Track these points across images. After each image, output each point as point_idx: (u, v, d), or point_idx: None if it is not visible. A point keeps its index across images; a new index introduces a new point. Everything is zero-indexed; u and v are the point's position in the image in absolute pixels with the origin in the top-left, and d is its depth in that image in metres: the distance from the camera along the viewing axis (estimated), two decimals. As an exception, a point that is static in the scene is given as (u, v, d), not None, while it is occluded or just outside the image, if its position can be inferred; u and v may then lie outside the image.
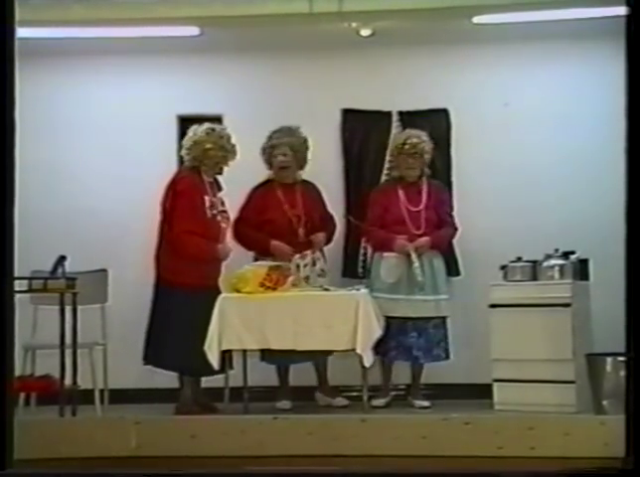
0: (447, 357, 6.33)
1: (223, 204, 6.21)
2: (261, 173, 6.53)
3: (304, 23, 6.33)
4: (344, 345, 5.71)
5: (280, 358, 6.08)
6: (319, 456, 4.49)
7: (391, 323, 6.15)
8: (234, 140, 6.18)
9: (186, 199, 6.03)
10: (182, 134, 6.54)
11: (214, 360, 5.74)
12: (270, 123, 6.65)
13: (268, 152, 6.42)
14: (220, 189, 6.28)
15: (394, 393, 6.46)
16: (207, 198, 6.09)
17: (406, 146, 6.35)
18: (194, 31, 6.54)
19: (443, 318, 6.32)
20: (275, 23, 6.42)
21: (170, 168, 6.76)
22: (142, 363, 6.09)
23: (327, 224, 6.53)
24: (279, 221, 6.32)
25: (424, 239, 6.26)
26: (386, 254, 6.32)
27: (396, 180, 6.50)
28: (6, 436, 3.08)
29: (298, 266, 6.24)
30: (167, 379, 6.23)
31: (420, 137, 6.40)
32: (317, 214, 6.45)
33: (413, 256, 6.17)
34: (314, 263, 6.34)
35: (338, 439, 4.56)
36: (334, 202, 6.80)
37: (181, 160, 6.43)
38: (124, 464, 4.12)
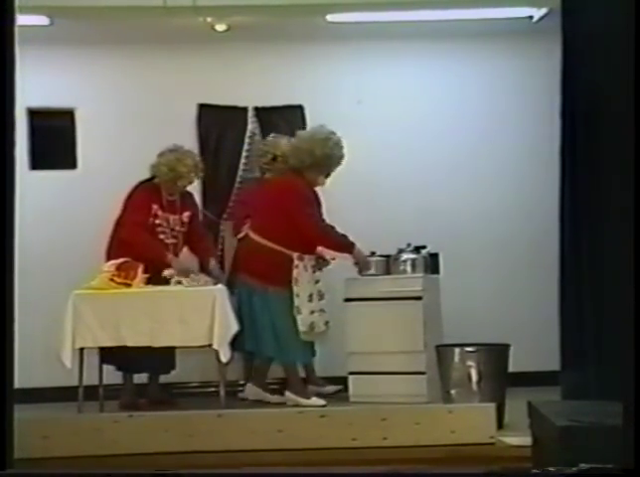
0: None
1: (182, 225, 6.15)
2: (115, 166, 6.41)
3: (158, 16, 6.26)
4: (201, 341, 5.69)
5: None
6: (175, 453, 4.47)
7: None
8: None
9: (137, 202, 6.03)
10: (32, 128, 6.33)
11: (66, 359, 5.62)
12: (124, 118, 6.53)
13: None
14: (193, 207, 6.25)
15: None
16: (159, 212, 6.06)
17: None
18: (43, 20, 6.36)
19: None
20: (129, 15, 6.32)
21: (20, 162, 6.53)
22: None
23: None
24: None
25: None
26: None
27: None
28: (6, 436, 3.01)
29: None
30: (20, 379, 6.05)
31: (275, 145, 6.34)
32: None
33: None
34: None
35: (194, 435, 4.55)
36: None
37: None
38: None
